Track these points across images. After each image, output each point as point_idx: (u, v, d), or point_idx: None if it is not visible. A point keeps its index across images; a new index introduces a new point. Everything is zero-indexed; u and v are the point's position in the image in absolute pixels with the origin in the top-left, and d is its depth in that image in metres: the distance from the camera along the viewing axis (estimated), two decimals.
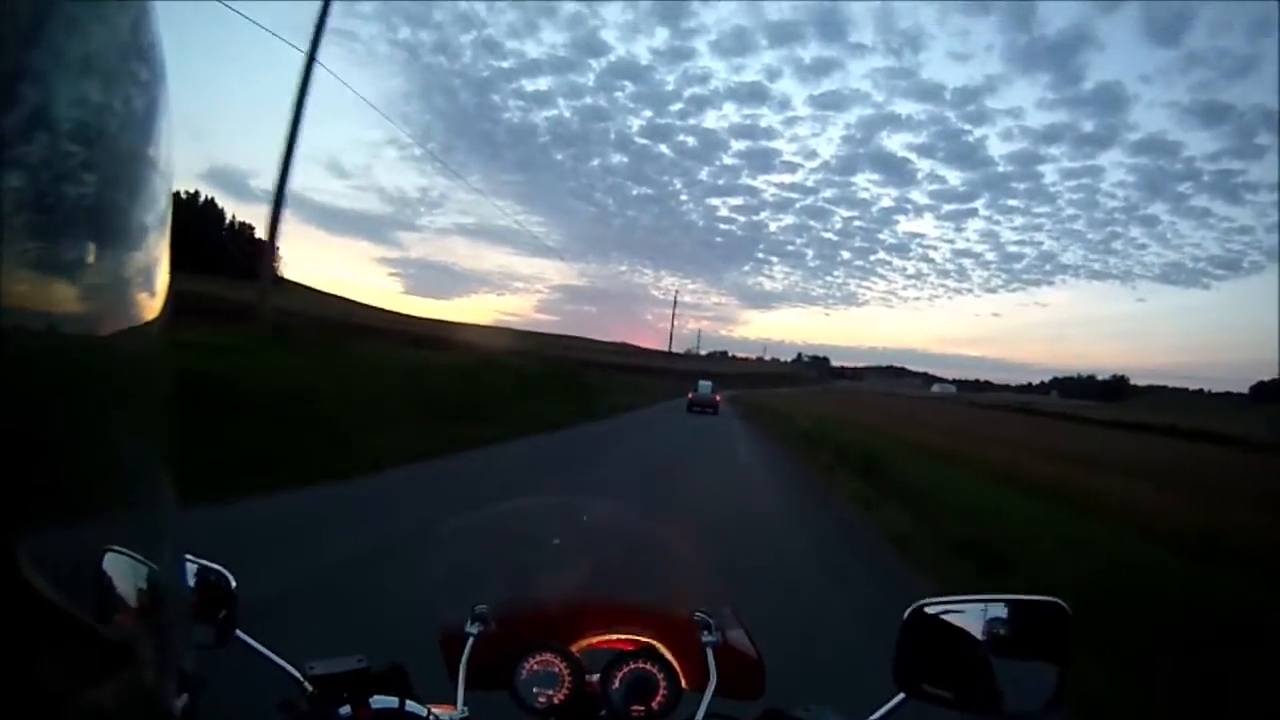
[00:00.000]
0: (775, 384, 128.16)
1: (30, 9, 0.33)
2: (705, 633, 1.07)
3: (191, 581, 0.92)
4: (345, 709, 0.90)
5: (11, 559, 0.31)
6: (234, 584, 0.94)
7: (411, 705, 0.93)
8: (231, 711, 0.74)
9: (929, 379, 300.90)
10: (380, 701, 0.92)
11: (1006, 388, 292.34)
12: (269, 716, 0.88)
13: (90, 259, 0.36)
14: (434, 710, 0.95)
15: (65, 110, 0.34)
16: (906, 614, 0.90)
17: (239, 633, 0.93)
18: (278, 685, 0.90)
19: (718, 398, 36.48)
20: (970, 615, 0.88)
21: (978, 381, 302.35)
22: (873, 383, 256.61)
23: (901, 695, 0.90)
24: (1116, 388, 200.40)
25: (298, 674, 0.90)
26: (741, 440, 20.32)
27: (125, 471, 0.40)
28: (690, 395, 36.46)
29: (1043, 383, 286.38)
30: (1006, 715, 0.86)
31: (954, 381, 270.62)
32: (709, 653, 1.05)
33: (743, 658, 1.09)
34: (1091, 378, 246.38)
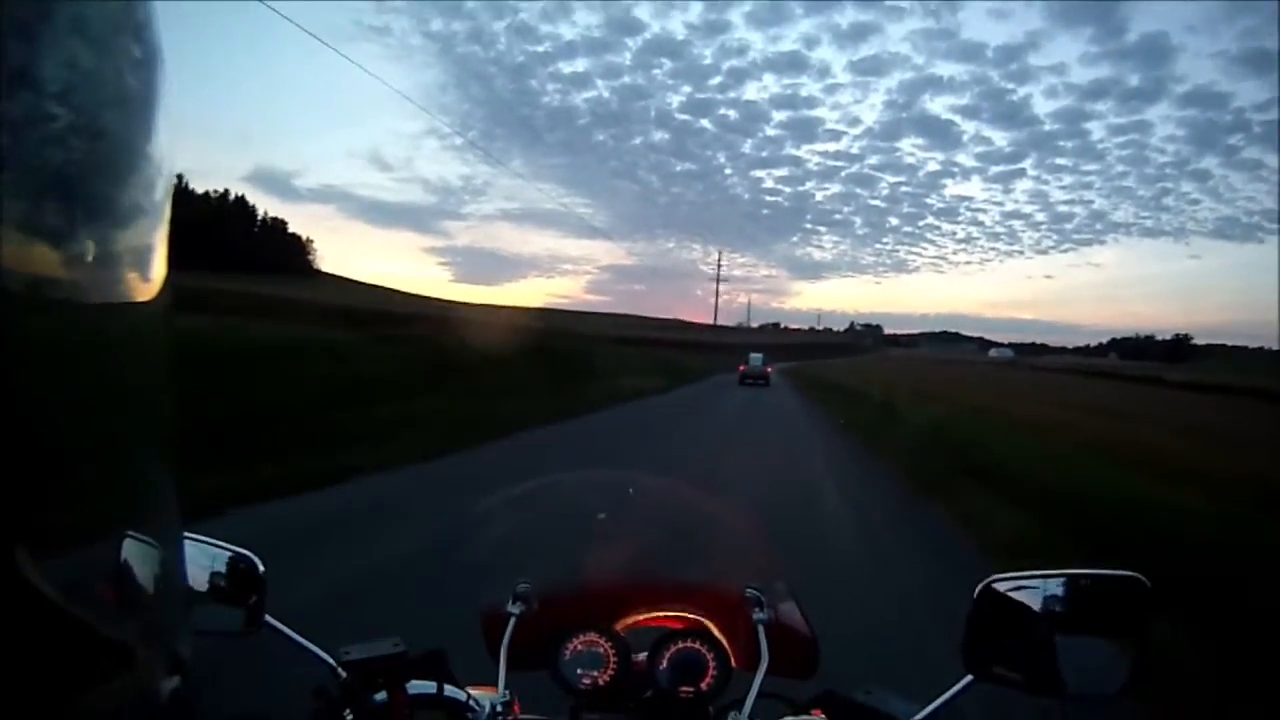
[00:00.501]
0: (830, 354, 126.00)
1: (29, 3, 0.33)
2: (757, 610, 1.04)
3: (221, 568, 0.91)
4: (381, 695, 0.87)
5: (11, 559, 0.31)
6: (262, 569, 0.91)
7: (450, 690, 0.90)
8: (264, 698, 0.74)
9: (984, 343, 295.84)
10: (417, 687, 0.89)
11: (1063, 350, 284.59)
12: (302, 703, 0.85)
13: (87, 247, 0.36)
14: (473, 693, 0.93)
15: (60, 93, 0.34)
16: (976, 591, 0.86)
17: (269, 619, 0.91)
18: (312, 672, 0.87)
19: (768, 369, 37.04)
20: (1043, 591, 0.85)
21: (1033, 344, 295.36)
22: (928, 349, 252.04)
23: (970, 677, 0.86)
24: (1179, 348, 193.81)
25: (331, 660, 0.88)
26: (802, 438, 14.70)
27: (127, 459, 0.40)
28: (741, 368, 36.72)
29: (1100, 344, 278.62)
30: (1079, 698, 0.83)
31: (1010, 345, 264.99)
32: (760, 631, 1.02)
33: (796, 635, 1.05)
34: (1150, 338, 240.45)
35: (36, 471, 0.33)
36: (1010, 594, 0.86)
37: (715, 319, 62.30)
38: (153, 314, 0.40)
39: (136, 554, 0.39)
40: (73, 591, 0.34)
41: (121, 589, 0.39)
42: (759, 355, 37.87)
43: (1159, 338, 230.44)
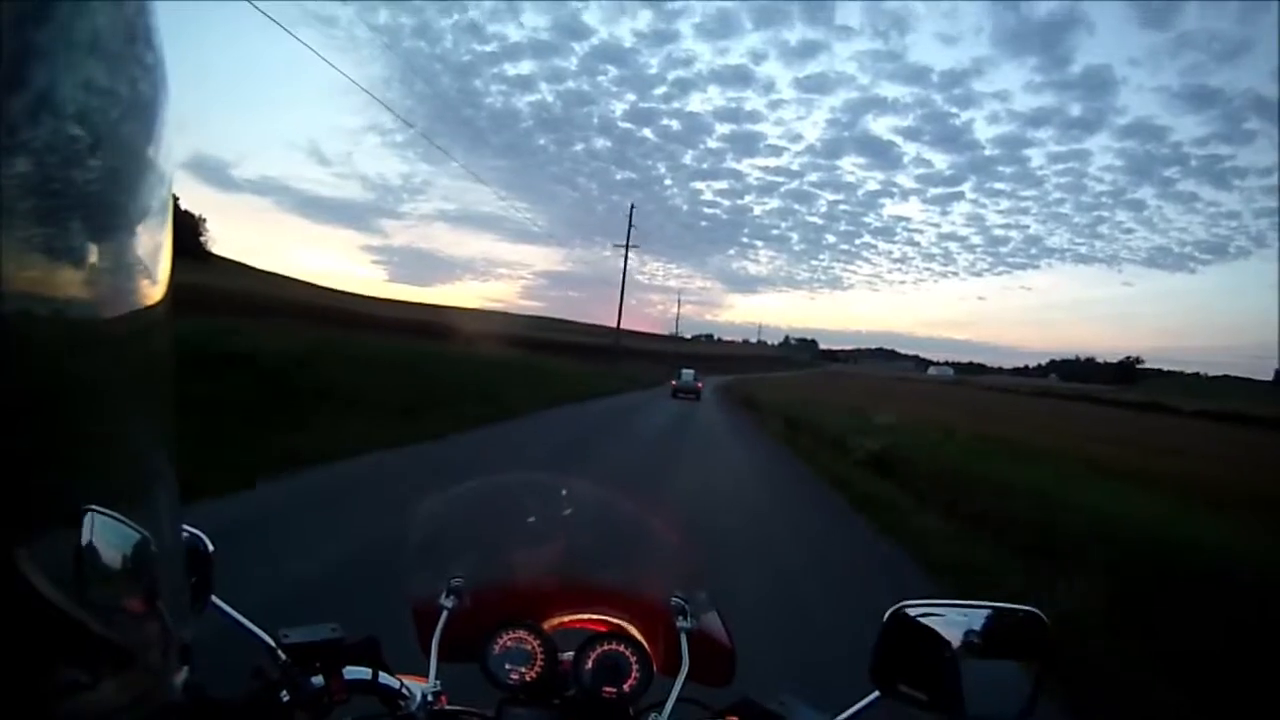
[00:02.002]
0: (767, 367, 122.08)
1: (27, 4, 0.33)
2: (680, 618, 1.07)
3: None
4: (318, 679, 0.89)
5: (11, 559, 0.31)
6: (210, 548, 0.93)
7: (384, 677, 0.93)
8: (204, 676, 0.70)
9: (920, 361, 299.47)
10: (353, 672, 0.91)
11: (1000, 370, 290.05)
12: (241, 683, 0.86)
13: (93, 248, 0.37)
14: (405, 681, 0.95)
15: (67, 100, 0.35)
16: (887, 615, 0.90)
17: (214, 599, 0.92)
18: (251, 653, 0.89)
19: (699, 385, 38.28)
20: (950, 619, 0.89)
21: (971, 364, 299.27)
22: (866, 365, 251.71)
23: (876, 693, 0.91)
24: (1128, 371, 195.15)
25: (271, 642, 0.90)
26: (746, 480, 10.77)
27: (130, 462, 0.41)
28: (674, 383, 38.63)
29: (1039, 365, 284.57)
30: (978, 718, 0.87)
31: (949, 364, 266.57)
32: (683, 638, 1.05)
33: (716, 645, 1.09)
34: (1091, 360, 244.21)
35: (37, 471, 0.34)
36: (919, 619, 0.89)
37: (619, 323, 55.67)
38: (156, 316, 0.41)
39: (139, 568, 0.40)
40: (73, 589, 0.35)
41: (123, 602, 0.40)
42: (690, 371, 39.55)
43: (1098, 360, 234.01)
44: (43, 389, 0.34)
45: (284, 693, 0.85)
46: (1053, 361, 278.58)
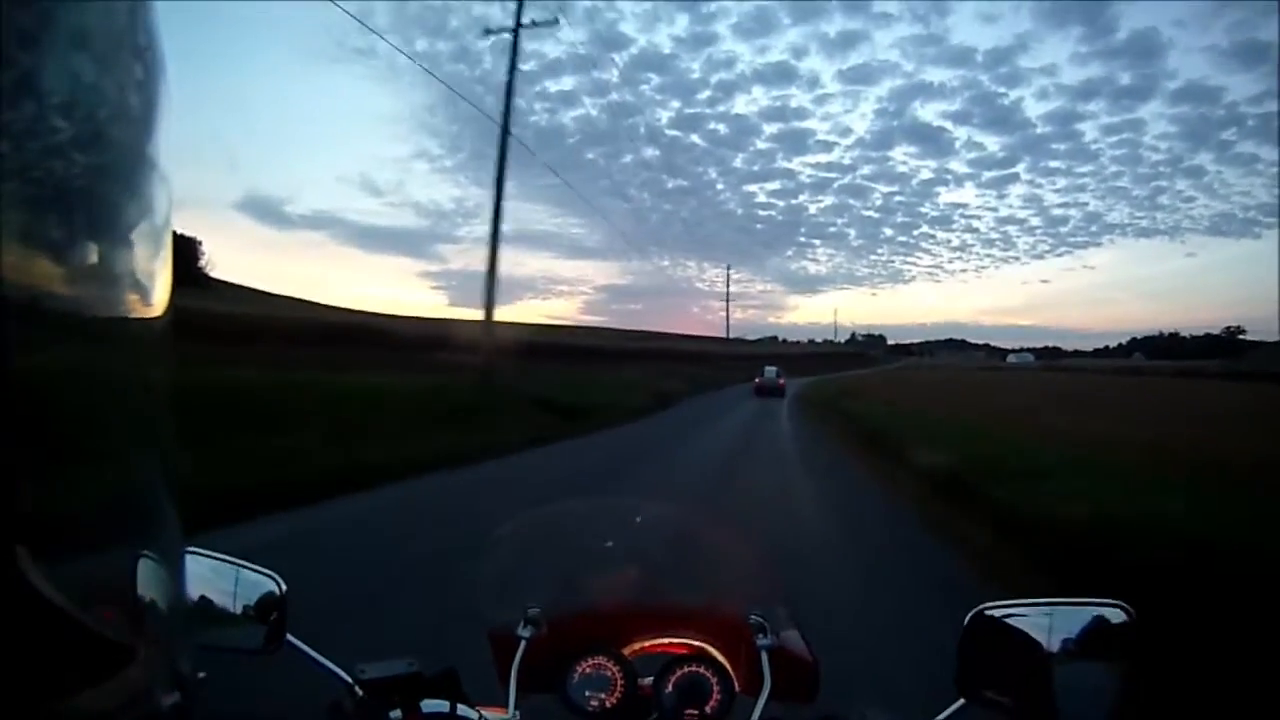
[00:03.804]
0: (839, 366, 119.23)
1: (32, 8, 0.33)
2: (760, 635, 1.07)
3: (245, 587, 0.95)
4: (396, 713, 0.89)
5: (11, 559, 0.32)
6: (284, 588, 0.95)
7: (463, 709, 0.93)
8: (282, 715, 0.83)
9: (993, 350, 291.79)
10: (431, 705, 0.91)
11: (1079, 353, 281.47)
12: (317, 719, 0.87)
13: (94, 257, 0.37)
14: (484, 713, 0.95)
15: (68, 101, 0.35)
16: (968, 618, 0.90)
17: (290, 637, 0.93)
18: (331, 691, 0.90)
19: (782, 381, 38.10)
20: (1033, 619, 0.88)
21: (1047, 348, 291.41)
22: (941, 357, 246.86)
23: (962, 701, 0.90)
24: (1234, 343, 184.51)
25: (348, 678, 0.90)
26: None
27: (129, 473, 0.41)
28: (756, 380, 39.14)
29: (1120, 345, 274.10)
30: None
31: (1029, 350, 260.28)
32: (764, 656, 1.04)
33: (798, 660, 1.08)
34: (1175, 334, 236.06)
35: (37, 475, 0.34)
36: (1002, 620, 0.89)
37: (727, 331, 55.54)
38: (157, 326, 0.41)
39: (139, 569, 0.41)
40: (74, 602, 0.35)
41: (123, 603, 0.40)
42: (773, 368, 39.97)
43: (1185, 334, 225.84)
44: (40, 398, 0.34)
45: None
46: (1134, 340, 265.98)
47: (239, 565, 0.95)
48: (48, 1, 0.34)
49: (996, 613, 0.89)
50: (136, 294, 0.40)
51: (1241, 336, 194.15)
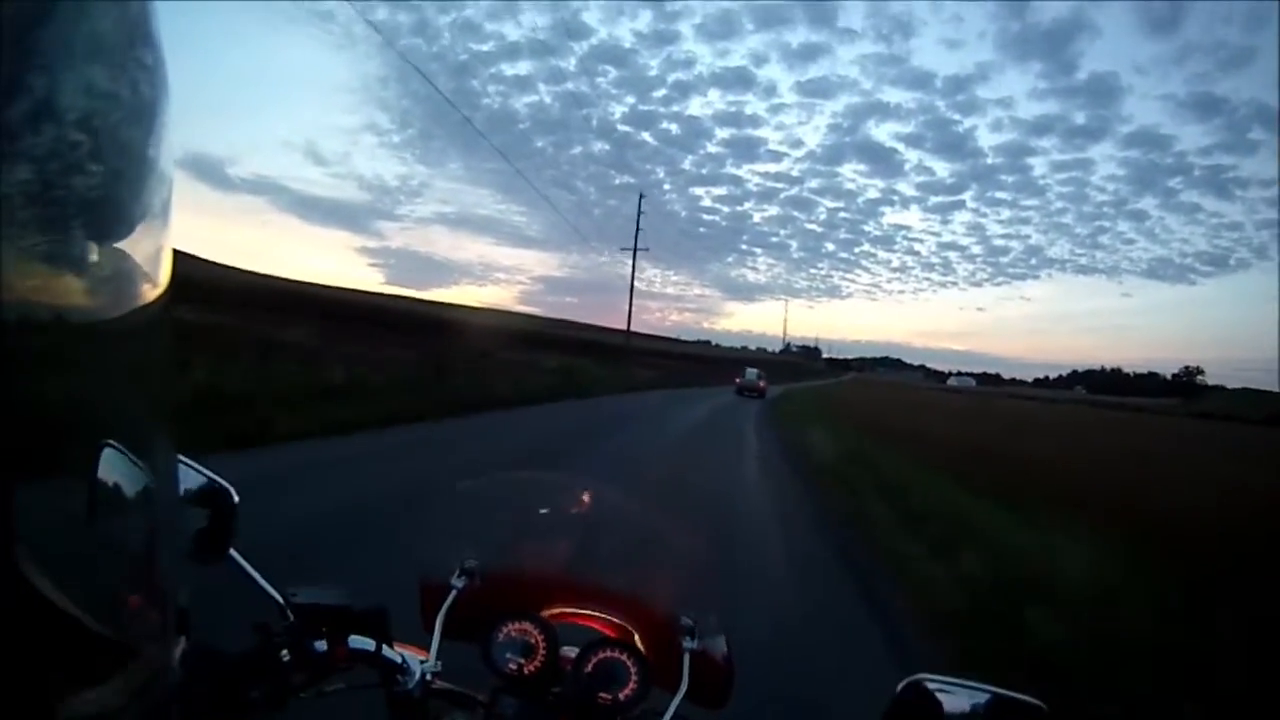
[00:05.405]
0: (786, 375, 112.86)
1: (31, 6, 0.34)
2: (687, 638, 1.08)
3: (194, 492, 0.93)
4: (321, 643, 0.90)
5: (12, 559, 0.32)
6: (236, 500, 0.93)
7: (387, 650, 0.94)
8: (209, 626, 0.71)
9: (928, 371, 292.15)
10: (358, 642, 0.92)
11: (1018, 381, 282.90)
12: (243, 636, 0.87)
13: (94, 256, 0.38)
14: (406, 655, 0.96)
15: (69, 101, 0.36)
16: (902, 685, 0.91)
17: (232, 552, 0.92)
18: (260, 608, 0.90)
19: (763, 384, 40.45)
20: (958, 698, 0.91)
21: (986, 374, 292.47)
22: (880, 375, 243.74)
23: None
24: (1189, 385, 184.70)
25: (280, 599, 0.90)
26: None
27: (129, 466, 0.41)
28: (738, 380, 41.66)
29: (1061, 376, 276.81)
30: None
31: (970, 375, 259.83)
32: (686, 657, 1.07)
33: (717, 668, 1.10)
34: (1117, 370, 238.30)
35: (38, 475, 0.34)
36: (934, 692, 0.91)
37: (629, 324, 47.99)
38: (157, 324, 0.42)
39: (139, 567, 0.43)
40: (74, 602, 0.35)
41: (124, 603, 0.41)
42: (754, 370, 42.76)
43: (1127, 371, 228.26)
44: (42, 395, 0.35)
45: (285, 652, 0.86)
46: (1075, 372, 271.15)
47: (197, 470, 0.91)
48: (47, 2, 0.34)
49: (930, 685, 0.90)
50: (136, 292, 0.40)
51: (1200, 378, 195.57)
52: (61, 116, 0.35)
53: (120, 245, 0.39)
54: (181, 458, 0.86)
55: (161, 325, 0.43)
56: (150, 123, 0.40)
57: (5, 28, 0.31)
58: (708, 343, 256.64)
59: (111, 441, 0.39)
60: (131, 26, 0.39)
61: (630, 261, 45.07)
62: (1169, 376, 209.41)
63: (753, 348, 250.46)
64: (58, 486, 0.36)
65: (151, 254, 0.41)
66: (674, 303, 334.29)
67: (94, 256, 0.37)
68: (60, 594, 0.34)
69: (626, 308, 45.63)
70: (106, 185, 0.38)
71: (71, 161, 0.35)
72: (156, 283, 0.42)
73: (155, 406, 0.45)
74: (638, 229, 44.58)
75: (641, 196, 46.15)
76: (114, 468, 0.39)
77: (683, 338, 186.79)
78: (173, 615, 0.48)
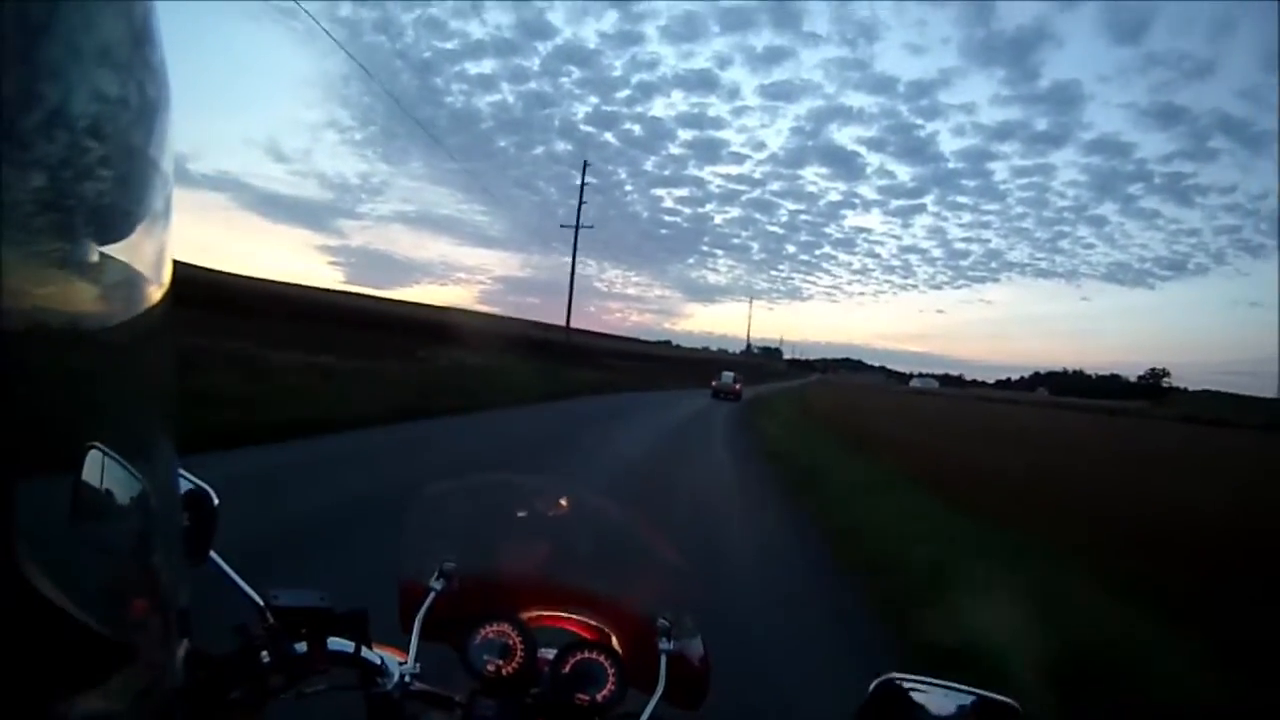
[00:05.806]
0: (750, 376, 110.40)
1: (36, 9, 0.34)
2: (664, 639, 1.09)
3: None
4: (301, 645, 0.90)
5: (12, 559, 0.32)
6: (217, 503, 0.93)
7: (366, 652, 0.94)
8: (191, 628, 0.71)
9: (887, 373, 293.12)
10: (337, 643, 0.92)
11: (980, 383, 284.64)
12: (222, 638, 0.87)
13: (94, 256, 0.38)
14: (385, 657, 0.97)
15: (72, 107, 0.36)
16: (875, 684, 0.91)
17: (213, 554, 0.92)
18: (239, 611, 0.90)
19: (738, 386, 40.40)
20: (933, 698, 0.90)
21: (948, 376, 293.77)
22: (843, 376, 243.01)
23: None
24: (1155, 387, 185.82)
25: (260, 602, 0.90)
26: None
27: (130, 466, 0.42)
28: (714, 383, 41.27)
29: (1023, 378, 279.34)
30: None
31: (933, 376, 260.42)
32: (663, 659, 1.07)
33: (692, 670, 1.11)
34: (1080, 373, 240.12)
35: (38, 475, 0.35)
36: (907, 693, 0.91)
37: (568, 320, 44.56)
38: (157, 323, 0.43)
39: (139, 568, 0.43)
40: (74, 602, 0.35)
41: (124, 603, 0.41)
42: (730, 373, 42.22)
43: (1090, 373, 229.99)
44: (42, 395, 0.35)
45: (265, 654, 0.86)
46: (1037, 374, 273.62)
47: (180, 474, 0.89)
48: (49, 3, 0.34)
49: (905, 684, 0.91)
50: (137, 291, 0.41)
51: (1166, 381, 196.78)
52: (60, 116, 0.35)
53: (125, 247, 0.39)
54: None
55: (164, 326, 0.43)
56: (154, 124, 0.40)
57: (8, 27, 0.31)
58: (668, 343, 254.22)
59: (97, 444, 0.39)
60: (138, 27, 0.39)
61: (572, 241, 41.24)
62: (1133, 379, 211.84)
63: (714, 348, 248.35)
64: (58, 487, 0.36)
65: (154, 255, 0.42)
66: (635, 303, 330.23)
67: (98, 259, 0.37)
68: (61, 595, 0.34)
69: (585, 308, 42.56)
70: (113, 188, 0.38)
71: (74, 163, 0.35)
72: (160, 284, 0.42)
73: (156, 407, 0.45)
74: (580, 201, 41.21)
75: (586, 164, 42.43)
76: (104, 470, 0.39)
77: (643, 338, 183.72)
78: (174, 617, 0.48)
